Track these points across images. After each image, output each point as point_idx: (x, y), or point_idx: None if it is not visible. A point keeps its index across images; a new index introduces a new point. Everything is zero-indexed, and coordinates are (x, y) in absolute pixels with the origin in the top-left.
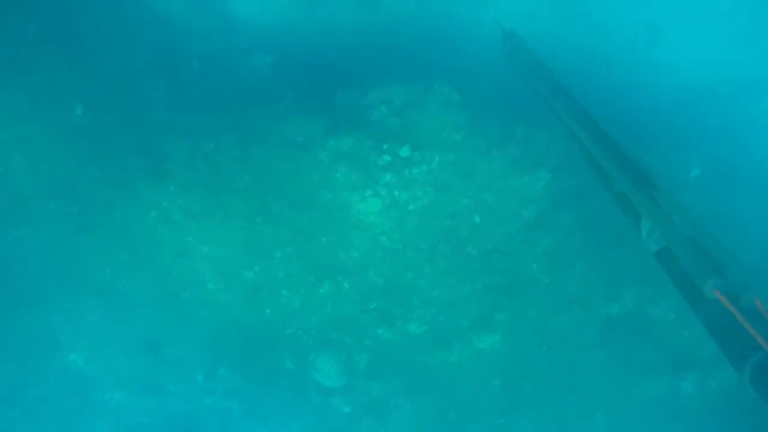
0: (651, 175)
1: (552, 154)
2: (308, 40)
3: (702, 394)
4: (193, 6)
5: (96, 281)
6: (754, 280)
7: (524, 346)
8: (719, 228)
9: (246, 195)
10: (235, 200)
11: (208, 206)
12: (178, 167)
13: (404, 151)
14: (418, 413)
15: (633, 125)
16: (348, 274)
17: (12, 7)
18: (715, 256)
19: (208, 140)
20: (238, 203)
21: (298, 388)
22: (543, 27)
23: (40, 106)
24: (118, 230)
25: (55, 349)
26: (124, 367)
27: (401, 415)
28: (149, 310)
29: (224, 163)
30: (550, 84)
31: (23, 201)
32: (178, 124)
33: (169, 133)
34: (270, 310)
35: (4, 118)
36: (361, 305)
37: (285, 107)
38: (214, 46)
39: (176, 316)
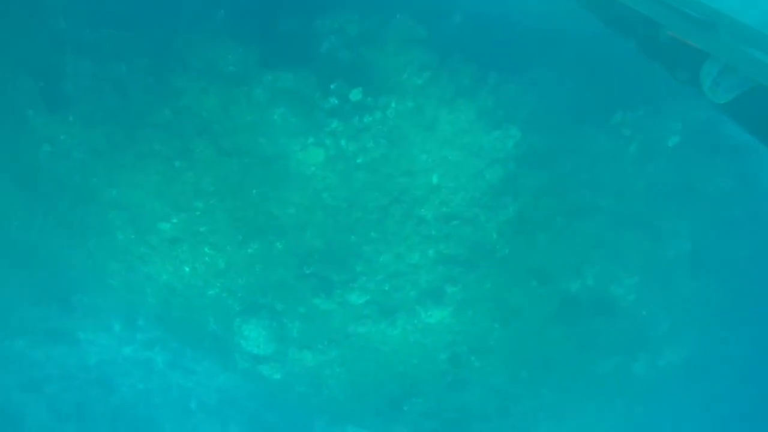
0: (707, 13)
1: (525, 108)
2: None
3: (652, 374)
4: None
5: None
6: None
7: (476, 321)
8: None
9: (164, 133)
10: (150, 138)
11: (117, 143)
12: (80, 93)
13: (355, 95)
14: (357, 386)
15: None
16: (282, 233)
17: None
18: None
19: (117, 62)
20: (154, 142)
21: (224, 351)
22: None
23: None
24: (4, 167)
25: None
26: (26, 314)
27: (338, 385)
28: (51, 257)
29: (137, 92)
30: None
31: None
32: (80, 38)
33: (69, 50)
34: (189, 267)
35: None
36: (296, 270)
37: (214, 29)
38: None
39: (84, 266)
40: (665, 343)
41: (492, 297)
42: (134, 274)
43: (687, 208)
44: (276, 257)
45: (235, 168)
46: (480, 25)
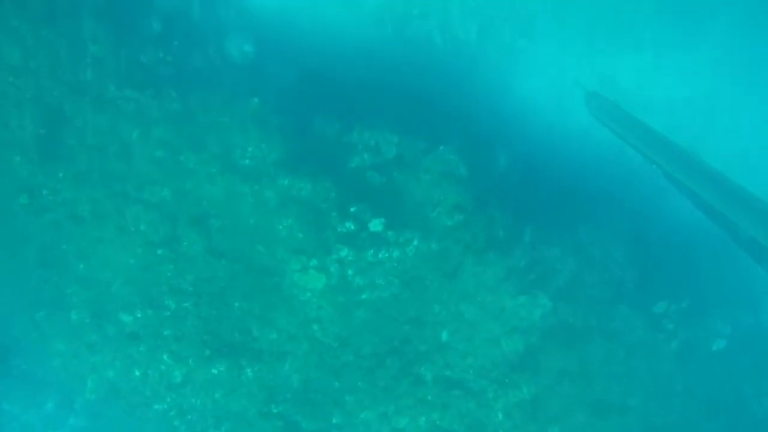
0: None
1: (561, 275)
2: (303, 35)
3: None
4: None
5: None
6: None
7: None
8: None
9: (156, 213)
10: (139, 216)
11: (101, 212)
12: (79, 149)
13: (376, 225)
14: None
15: None
16: (257, 359)
17: None
18: None
19: (131, 126)
20: (142, 221)
21: None
22: None
23: None
24: None
25: None
26: None
27: None
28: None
29: (141, 162)
30: (645, 135)
31: None
32: (101, 93)
33: (86, 102)
34: (141, 371)
35: None
36: (261, 405)
37: (243, 115)
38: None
39: (27, 333)
40: None
41: None
42: (78, 360)
43: (730, 425)
44: (243, 385)
45: (223, 272)
46: (525, 174)
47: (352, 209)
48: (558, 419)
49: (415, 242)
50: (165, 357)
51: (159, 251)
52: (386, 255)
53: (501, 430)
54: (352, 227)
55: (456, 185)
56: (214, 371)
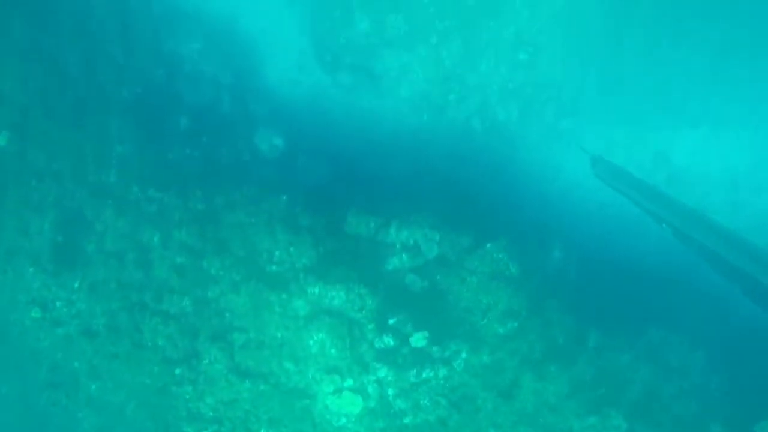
0: None
1: (634, 388)
2: (335, 126)
3: None
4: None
5: None
6: None
7: None
8: None
9: (174, 327)
10: (156, 330)
11: (117, 326)
12: (98, 257)
13: (418, 340)
14: None
15: None
16: None
17: None
18: None
19: (153, 229)
20: (160, 336)
21: None
22: None
23: None
24: None
25: None
26: None
27: None
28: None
29: (162, 270)
30: (651, 194)
31: None
32: (124, 194)
33: (108, 205)
34: None
35: None
36: None
37: (270, 214)
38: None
39: None
40: None
41: None
42: None
43: None
44: None
45: (247, 394)
46: (584, 267)
47: (390, 321)
48: None
49: (464, 355)
50: None
51: (177, 370)
52: (431, 374)
53: None
54: (392, 343)
55: (507, 287)
56: None
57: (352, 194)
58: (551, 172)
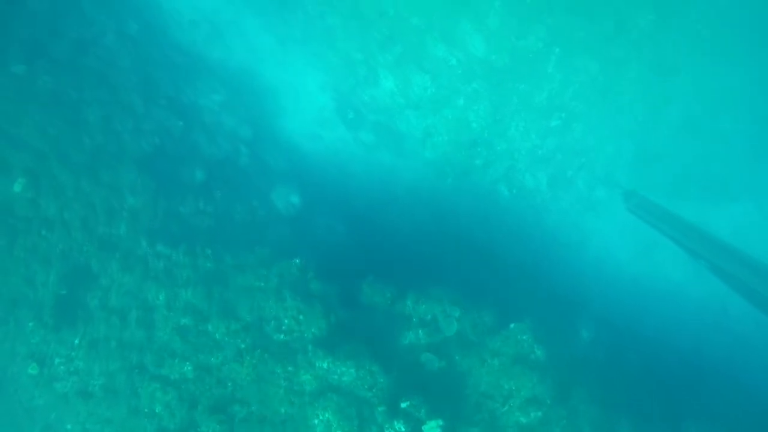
0: None
1: None
2: (355, 186)
3: None
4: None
5: None
6: None
7: None
8: None
9: (173, 394)
10: (154, 396)
11: (115, 387)
12: (101, 314)
13: (432, 429)
14: None
15: None
16: None
17: None
18: None
19: (158, 287)
20: (157, 402)
21: None
22: None
23: None
24: None
25: None
26: None
27: None
28: None
29: (164, 332)
30: (687, 229)
31: None
32: (133, 249)
33: (115, 258)
34: None
35: None
36: None
37: (279, 277)
38: (233, 153)
39: None
40: None
41: None
42: None
43: None
44: None
45: None
46: (613, 349)
47: (403, 405)
48: None
49: None
50: None
51: None
52: None
53: None
54: (403, 429)
55: (531, 372)
56: None
57: (370, 261)
58: (581, 242)
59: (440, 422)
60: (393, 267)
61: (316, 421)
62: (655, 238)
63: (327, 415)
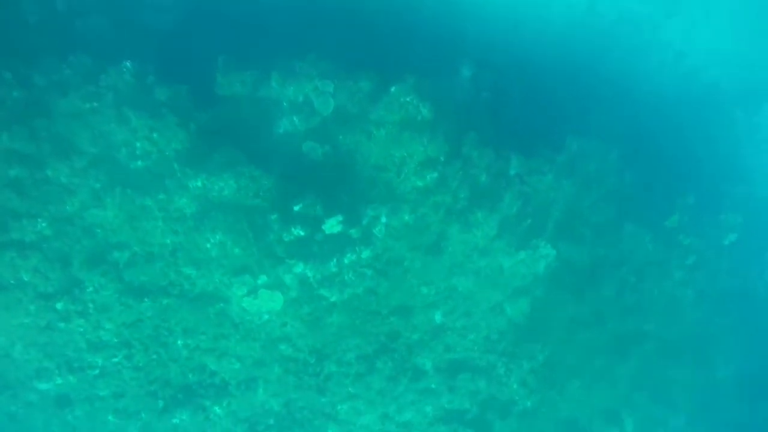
0: None
1: (556, 207)
2: None
3: None
4: None
5: None
6: None
7: None
8: None
9: (37, 256)
10: (14, 263)
11: None
12: None
13: (333, 226)
14: None
15: None
16: (223, 394)
17: None
18: None
19: None
20: (21, 269)
21: None
22: None
23: None
24: None
25: None
26: None
27: None
28: None
29: None
30: None
31: None
32: None
33: None
34: None
35: None
36: None
37: (113, 90)
38: None
39: None
40: None
41: None
42: None
43: (741, 321)
44: (215, 425)
45: (150, 312)
46: (495, 81)
47: (296, 207)
48: (576, 372)
49: (383, 219)
50: (111, 418)
51: (59, 305)
52: (353, 257)
53: (517, 397)
54: (302, 233)
55: (421, 135)
56: (176, 420)
57: (216, 38)
58: None
59: (339, 218)
60: (245, 41)
61: (208, 245)
62: None
63: (218, 237)
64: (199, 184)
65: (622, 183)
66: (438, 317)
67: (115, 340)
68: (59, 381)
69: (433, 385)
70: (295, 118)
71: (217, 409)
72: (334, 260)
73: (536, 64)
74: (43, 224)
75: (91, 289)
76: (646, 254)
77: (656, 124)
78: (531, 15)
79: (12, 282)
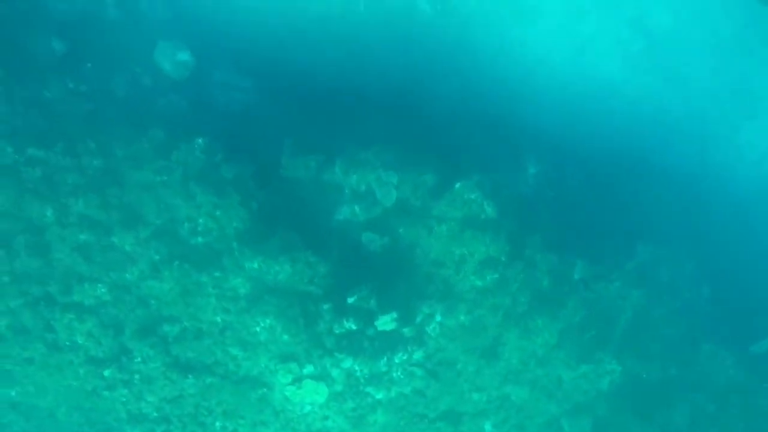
0: None
1: (624, 317)
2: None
3: None
4: None
5: None
6: None
7: None
8: None
9: (93, 320)
10: (71, 325)
11: (23, 329)
12: None
13: (386, 323)
14: None
15: None
16: None
17: None
18: None
19: (41, 197)
20: (77, 332)
21: None
22: None
23: None
24: None
25: None
26: None
27: None
28: None
29: (63, 251)
30: None
31: None
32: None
33: None
34: None
35: None
36: None
37: (183, 165)
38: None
39: None
40: None
41: None
42: None
43: None
44: None
45: (193, 389)
46: (561, 183)
47: (350, 300)
48: None
49: (438, 318)
50: None
51: (106, 372)
52: (405, 357)
53: None
54: (354, 327)
55: (483, 234)
56: None
57: (285, 123)
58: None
59: (394, 315)
60: (312, 127)
61: (258, 328)
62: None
63: (268, 321)
64: (255, 265)
65: (698, 297)
66: (488, 427)
67: (155, 414)
68: None
69: None
70: (356, 207)
71: None
72: (385, 359)
73: (604, 162)
74: (103, 289)
75: (138, 359)
76: (727, 379)
77: (739, 233)
78: (597, 109)
79: (67, 344)
